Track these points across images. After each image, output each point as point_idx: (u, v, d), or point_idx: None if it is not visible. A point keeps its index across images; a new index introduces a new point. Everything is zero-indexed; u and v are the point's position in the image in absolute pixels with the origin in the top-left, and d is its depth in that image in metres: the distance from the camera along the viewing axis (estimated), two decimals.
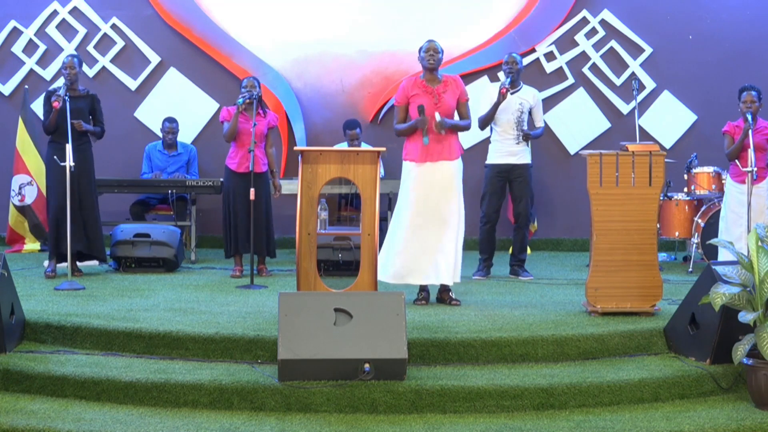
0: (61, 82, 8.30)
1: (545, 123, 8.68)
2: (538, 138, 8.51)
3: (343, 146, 9.50)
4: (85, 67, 10.21)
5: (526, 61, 10.28)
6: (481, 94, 8.28)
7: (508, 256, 8.54)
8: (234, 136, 8.21)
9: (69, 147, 7.50)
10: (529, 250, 9.80)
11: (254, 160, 7.87)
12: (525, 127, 8.18)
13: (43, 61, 10.30)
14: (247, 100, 8.06)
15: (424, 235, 6.78)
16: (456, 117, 6.96)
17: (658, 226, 8.29)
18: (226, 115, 8.25)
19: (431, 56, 6.87)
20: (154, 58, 10.32)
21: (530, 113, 8.24)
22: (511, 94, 8.03)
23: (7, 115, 10.17)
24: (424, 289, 7.02)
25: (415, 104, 6.81)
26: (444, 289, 7.00)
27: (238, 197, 8.25)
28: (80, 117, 7.88)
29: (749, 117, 7.69)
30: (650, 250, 6.60)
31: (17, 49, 10.33)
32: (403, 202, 6.87)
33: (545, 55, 10.34)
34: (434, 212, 6.79)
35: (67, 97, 7.83)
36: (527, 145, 8.27)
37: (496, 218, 8.31)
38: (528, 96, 8.23)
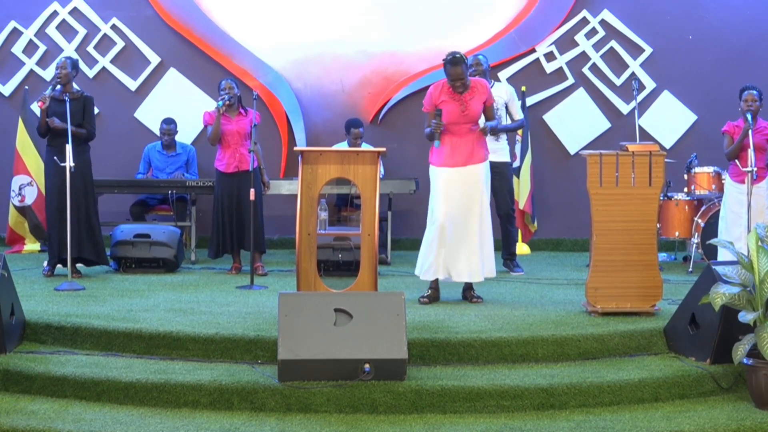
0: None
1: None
2: (519, 129, 8.62)
3: (344, 146, 9.50)
4: (85, 68, 10.24)
5: (526, 61, 10.31)
6: None
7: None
8: (218, 138, 8.40)
9: (69, 147, 7.50)
10: (528, 250, 9.86)
11: (243, 159, 8.32)
12: (503, 123, 8.19)
13: (43, 62, 10.29)
14: (227, 102, 8.29)
15: (456, 236, 6.81)
16: (482, 120, 7.00)
17: (658, 226, 8.28)
18: (208, 119, 8.46)
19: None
20: (154, 59, 10.32)
21: (507, 108, 8.27)
22: None
23: (7, 116, 10.16)
24: (434, 287, 7.04)
25: (444, 110, 6.85)
26: (468, 287, 7.07)
27: (233, 197, 8.39)
28: (72, 119, 7.76)
29: (749, 117, 7.69)
30: (650, 250, 6.60)
31: (17, 49, 10.32)
32: (433, 206, 6.91)
33: (545, 55, 10.33)
34: (463, 214, 6.82)
35: (66, 98, 7.83)
36: (507, 142, 8.36)
37: None
38: (501, 92, 8.26)
